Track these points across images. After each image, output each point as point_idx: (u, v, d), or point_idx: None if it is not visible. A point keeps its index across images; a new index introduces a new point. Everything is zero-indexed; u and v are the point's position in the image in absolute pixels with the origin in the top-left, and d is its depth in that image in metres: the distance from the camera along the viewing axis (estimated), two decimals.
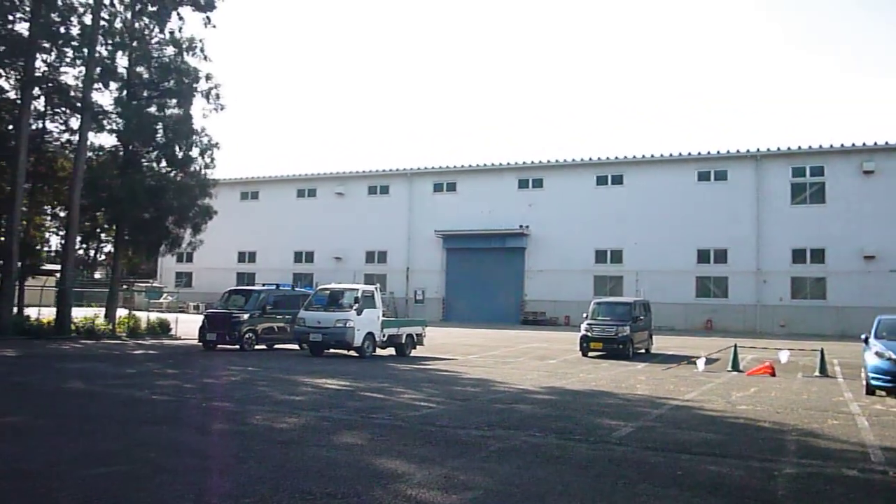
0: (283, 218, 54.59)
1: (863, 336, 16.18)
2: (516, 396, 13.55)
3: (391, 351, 23.12)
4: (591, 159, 45.87)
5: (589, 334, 23.16)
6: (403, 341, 23.06)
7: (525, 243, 46.45)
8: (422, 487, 6.72)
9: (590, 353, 23.03)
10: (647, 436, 9.77)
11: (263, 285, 26.12)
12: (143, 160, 28.79)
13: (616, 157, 45.16)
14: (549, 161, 47.07)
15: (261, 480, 6.80)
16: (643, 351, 24.43)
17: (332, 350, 22.01)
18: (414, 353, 23.25)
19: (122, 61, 27.66)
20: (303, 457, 7.92)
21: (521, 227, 46.25)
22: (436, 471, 7.40)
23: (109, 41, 27.07)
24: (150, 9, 27.38)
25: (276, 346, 24.09)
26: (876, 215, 39.04)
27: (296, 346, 23.22)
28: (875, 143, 39.81)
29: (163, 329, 29.00)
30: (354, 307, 21.47)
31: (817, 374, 18.70)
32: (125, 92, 27.49)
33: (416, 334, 23.86)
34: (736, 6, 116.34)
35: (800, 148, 41.34)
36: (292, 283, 41.78)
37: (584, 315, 24.10)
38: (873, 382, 14.69)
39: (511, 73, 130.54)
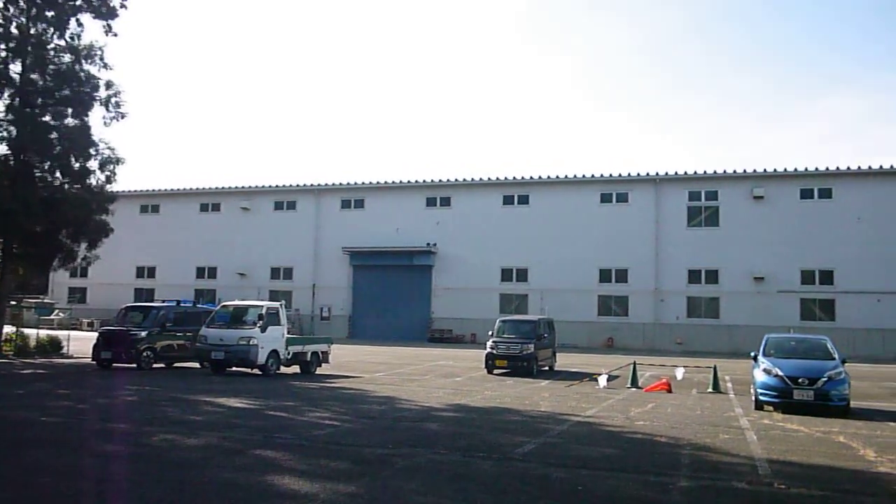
0: (185, 232, 53.08)
1: (752, 354, 16.98)
2: (422, 414, 13.57)
3: (296, 369, 22.76)
4: (498, 179, 46.60)
5: (494, 352, 23.42)
6: (309, 359, 22.75)
7: (432, 261, 46.70)
8: None
9: (495, 371, 23.28)
10: (549, 452, 9.96)
11: (163, 301, 25.29)
12: (37, 171, 27.45)
13: (522, 178, 46.02)
14: (456, 180, 47.55)
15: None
16: (547, 368, 24.85)
17: (234, 368, 21.51)
18: (319, 371, 22.95)
19: (15, 67, 26.42)
20: (202, 479, 7.72)
21: (428, 244, 46.49)
22: (341, 489, 7.34)
23: (3, 46, 25.85)
24: (48, 14, 26.30)
25: (176, 365, 23.32)
26: (765, 239, 41.06)
27: (197, 365, 22.55)
28: (765, 170, 41.94)
29: (54, 347, 27.65)
30: (258, 324, 21.07)
31: (710, 390, 19.47)
32: (18, 99, 26.26)
33: (322, 352, 23.56)
34: (631, 30, 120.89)
35: (696, 173, 43.15)
36: (194, 299, 40.63)
37: (490, 333, 24.37)
38: (762, 398, 15.43)
39: (418, 89, 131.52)
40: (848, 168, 40.58)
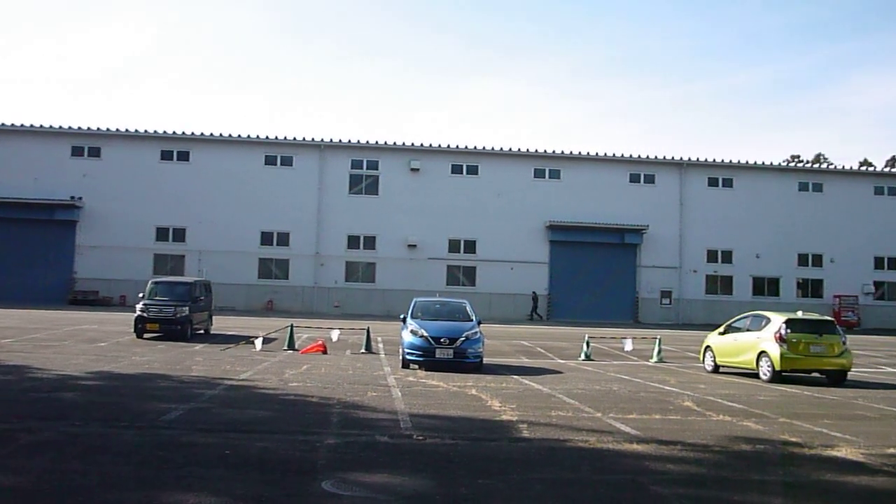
0: None
1: (402, 316, 18.05)
2: (56, 383, 12.34)
3: None
4: (156, 132, 43.69)
5: (145, 315, 22.06)
6: None
7: (77, 216, 42.45)
8: None
9: (145, 335, 21.98)
10: (198, 417, 9.66)
11: None
12: None
13: (183, 133, 43.63)
14: (108, 129, 43.67)
15: None
16: (203, 332, 24.08)
17: None
18: None
19: None
20: None
21: (72, 198, 42.15)
22: None
23: None
24: None
25: None
26: (419, 209, 43.78)
27: None
28: (421, 144, 44.63)
29: None
30: None
31: (363, 350, 20.34)
32: None
33: None
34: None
35: (359, 142, 44.51)
36: None
37: (141, 295, 22.94)
38: (408, 357, 16.50)
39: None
40: (492, 148, 44.73)
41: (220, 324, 27.05)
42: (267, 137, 43.95)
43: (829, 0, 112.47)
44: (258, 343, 20.15)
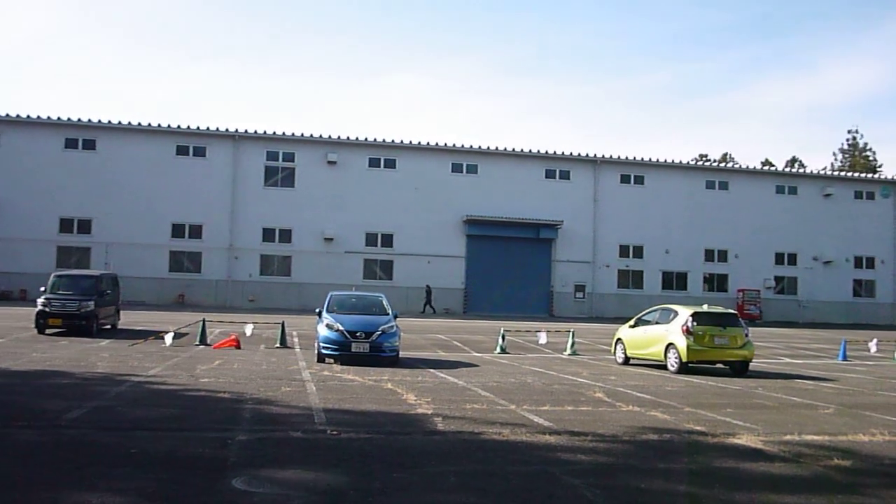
0: None
1: (317, 310, 17.86)
2: None
3: None
4: (59, 119, 41.83)
5: (47, 309, 21.16)
6: None
7: None
8: None
9: (47, 331, 21.10)
10: (102, 416, 9.33)
11: None
12: None
13: (89, 120, 41.91)
14: (8, 115, 41.55)
15: None
16: (109, 327, 23.24)
17: None
18: None
19: None
20: None
21: None
22: None
23: None
24: None
25: None
26: (336, 202, 43.36)
27: None
28: (339, 137, 44.19)
29: None
30: None
31: (278, 345, 20.03)
32: None
33: None
34: None
35: (275, 133, 43.74)
36: None
37: (42, 289, 21.99)
38: (323, 351, 16.35)
39: None
40: (410, 142, 44.68)
41: (129, 319, 26.18)
42: (179, 127, 42.69)
43: (742, 6, 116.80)
44: (168, 338, 19.57)
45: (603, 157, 46.44)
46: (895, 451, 8.66)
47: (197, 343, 19.64)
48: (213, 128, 43.03)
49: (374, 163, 44.45)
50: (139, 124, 42.41)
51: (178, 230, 42.37)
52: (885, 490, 6.98)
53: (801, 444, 8.84)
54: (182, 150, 42.87)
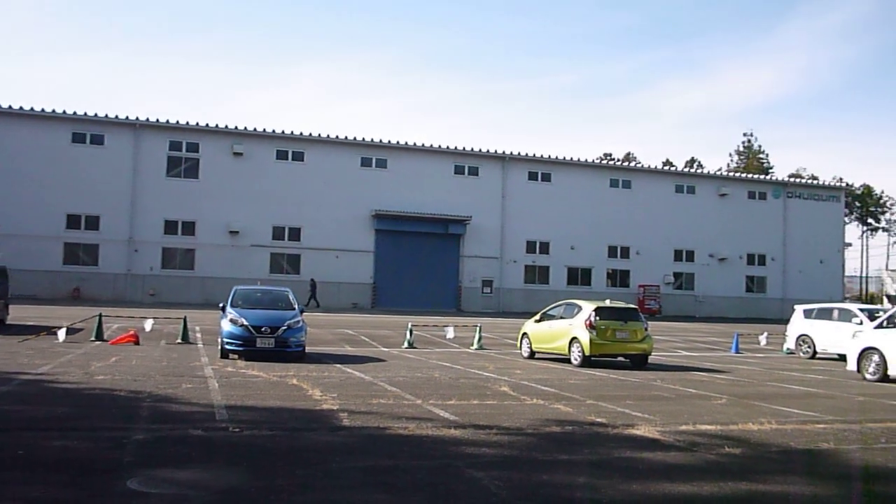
0: None
1: (221, 305, 17.42)
2: None
3: None
4: None
5: None
6: None
7: None
8: None
9: None
10: None
11: None
12: None
13: None
14: None
15: None
16: None
17: None
18: None
19: None
20: None
21: None
22: None
23: None
24: None
25: None
26: (242, 194, 42.41)
27: None
28: (245, 128, 43.23)
29: None
30: None
31: (180, 340, 19.45)
32: None
33: None
34: None
35: (178, 123, 42.43)
36: None
37: None
38: (227, 347, 15.97)
39: None
40: (319, 135, 44.14)
41: (19, 314, 24.91)
42: (75, 113, 40.91)
43: (646, 10, 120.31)
44: (61, 334, 18.72)
45: (511, 154, 47.08)
46: (782, 438, 9.10)
47: (93, 339, 18.87)
48: (111, 115, 41.40)
49: (281, 155, 43.75)
50: (31, 109, 40.42)
51: (73, 221, 40.65)
52: (772, 476, 7.32)
53: (696, 434, 9.18)
54: (79, 138, 41.12)
